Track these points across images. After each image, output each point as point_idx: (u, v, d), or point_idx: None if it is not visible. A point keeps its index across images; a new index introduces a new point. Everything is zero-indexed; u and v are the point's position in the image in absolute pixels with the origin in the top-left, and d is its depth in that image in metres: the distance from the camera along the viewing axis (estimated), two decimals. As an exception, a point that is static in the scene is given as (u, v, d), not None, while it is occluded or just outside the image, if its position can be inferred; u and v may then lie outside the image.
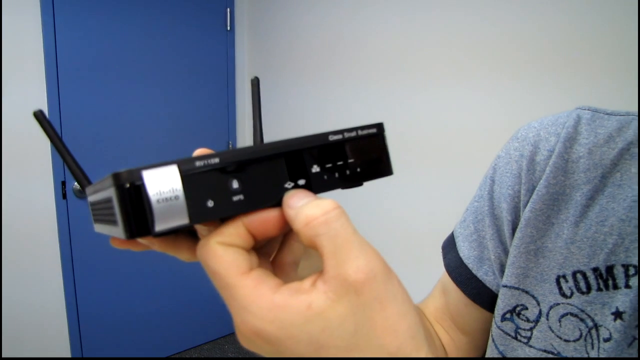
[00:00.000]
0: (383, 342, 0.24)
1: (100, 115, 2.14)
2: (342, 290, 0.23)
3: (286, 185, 0.26)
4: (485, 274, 0.50)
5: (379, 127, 0.29)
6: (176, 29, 2.34)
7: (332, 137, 0.27)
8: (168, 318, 2.51)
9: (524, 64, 1.51)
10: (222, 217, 0.24)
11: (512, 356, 0.45)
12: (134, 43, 2.22)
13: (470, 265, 0.51)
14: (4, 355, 1.98)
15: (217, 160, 0.24)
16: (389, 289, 0.24)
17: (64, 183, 2.07)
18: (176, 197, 0.22)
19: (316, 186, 0.26)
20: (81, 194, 2.12)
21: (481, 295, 0.50)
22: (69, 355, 2.18)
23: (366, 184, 0.29)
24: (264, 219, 0.25)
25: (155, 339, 2.48)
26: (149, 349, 2.45)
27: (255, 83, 0.39)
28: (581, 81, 1.36)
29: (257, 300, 0.24)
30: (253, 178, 0.25)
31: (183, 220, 0.23)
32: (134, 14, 2.20)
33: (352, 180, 0.27)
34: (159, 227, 0.22)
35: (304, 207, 0.25)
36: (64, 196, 2.08)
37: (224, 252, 0.25)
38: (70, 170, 0.34)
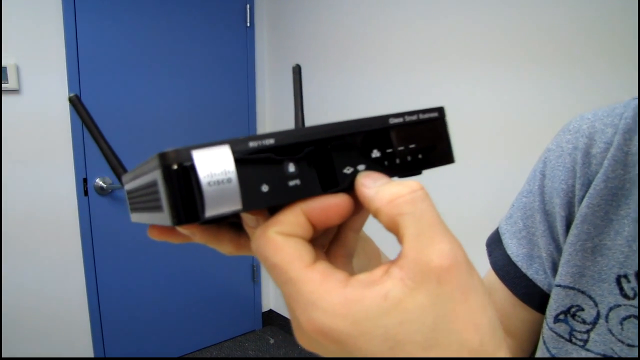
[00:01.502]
0: (465, 337, 0.21)
1: (121, 109, 2.14)
2: (421, 277, 0.21)
3: (345, 171, 0.23)
4: (536, 273, 0.47)
5: (440, 111, 0.26)
6: (197, 25, 2.34)
7: (392, 120, 0.24)
8: (189, 315, 2.51)
9: (550, 54, 1.46)
10: (276, 203, 0.22)
11: None
12: (155, 39, 2.22)
13: (519, 264, 0.49)
14: (9, 354, 2.00)
15: (272, 141, 0.21)
16: (472, 279, 0.22)
17: (85, 180, 2.08)
18: (229, 180, 0.20)
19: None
20: (103, 191, 2.13)
21: (531, 295, 0.48)
22: (91, 353, 2.20)
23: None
24: (326, 206, 0.23)
25: (176, 336, 2.48)
26: (169, 346, 2.46)
27: (297, 71, 0.38)
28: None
29: (327, 295, 0.21)
30: (311, 162, 0.22)
31: (235, 205, 0.20)
32: (155, 10, 2.20)
33: (412, 168, 0.25)
34: (209, 212, 0.20)
35: (388, 185, 0.23)
36: (86, 193, 2.09)
37: (285, 243, 0.22)
38: (106, 157, 0.33)
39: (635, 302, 0.38)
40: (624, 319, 0.39)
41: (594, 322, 0.40)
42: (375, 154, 0.24)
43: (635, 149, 0.40)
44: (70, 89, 1.98)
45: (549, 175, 0.46)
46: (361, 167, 0.24)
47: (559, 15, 1.44)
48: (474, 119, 1.69)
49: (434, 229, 0.22)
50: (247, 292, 2.75)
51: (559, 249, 0.45)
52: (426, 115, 0.26)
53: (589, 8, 1.37)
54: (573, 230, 0.43)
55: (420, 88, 1.88)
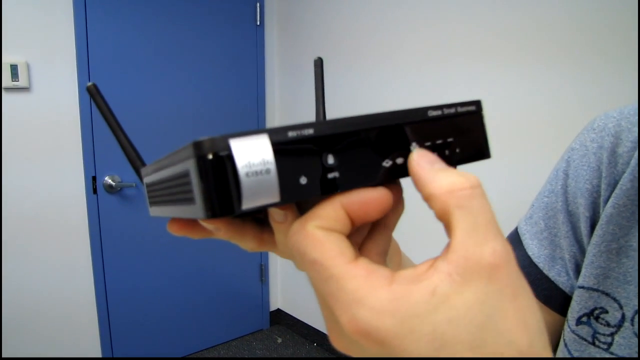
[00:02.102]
0: (513, 337, 0.20)
1: (131, 107, 2.14)
2: (470, 273, 0.20)
3: (384, 164, 0.22)
4: (558, 274, 0.46)
5: (478, 104, 0.26)
6: (207, 24, 2.33)
7: (431, 113, 0.24)
8: (197, 314, 2.51)
9: (558, 53, 1.45)
10: (315, 196, 0.21)
11: None
12: (165, 37, 2.22)
13: (540, 265, 0.47)
14: (12, 354, 2.00)
15: (311, 131, 0.21)
16: (521, 279, 0.21)
17: (94, 178, 2.08)
18: (267, 171, 0.19)
19: (399, 170, 0.23)
20: (112, 189, 2.13)
21: (553, 297, 0.46)
22: (99, 352, 2.20)
23: None
24: (366, 200, 0.22)
25: (184, 335, 2.48)
26: (177, 345, 2.46)
27: (319, 64, 0.36)
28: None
29: (373, 291, 0.20)
30: (350, 153, 0.22)
31: (273, 198, 0.20)
32: (165, 9, 2.20)
33: (449, 162, 0.24)
34: (246, 205, 0.19)
35: (447, 172, 0.22)
36: (95, 191, 2.09)
37: (326, 238, 0.21)
38: (123, 149, 0.32)
39: None
40: None
41: (619, 325, 0.39)
42: (414, 147, 0.23)
43: None
44: (80, 87, 1.98)
45: (572, 174, 0.45)
46: (400, 160, 0.23)
47: (564, 14, 1.43)
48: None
49: (488, 227, 0.21)
50: (255, 292, 2.75)
51: (582, 250, 0.44)
52: (464, 109, 0.25)
53: (591, 7, 1.37)
54: (598, 231, 0.41)
55: (430, 87, 1.87)
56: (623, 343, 0.39)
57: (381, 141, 0.22)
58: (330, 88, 2.29)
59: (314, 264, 0.21)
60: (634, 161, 0.40)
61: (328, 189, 0.21)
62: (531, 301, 0.21)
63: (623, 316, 0.39)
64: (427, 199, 0.22)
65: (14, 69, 1.80)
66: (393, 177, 0.23)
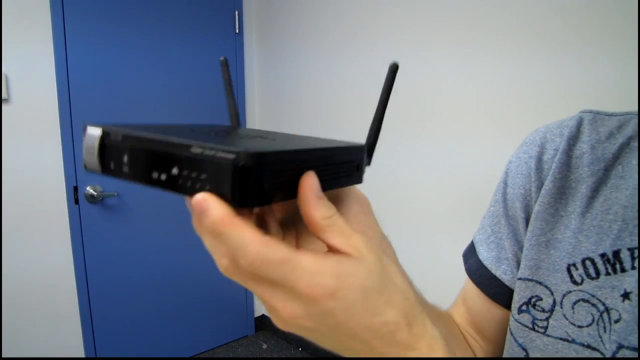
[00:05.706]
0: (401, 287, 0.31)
1: (112, 117, 2.15)
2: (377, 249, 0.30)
3: (153, 175, 0.28)
4: (504, 273, 0.52)
5: (238, 157, 0.26)
6: (186, 32, 2.36)
7: (194, 150, 0.26)
8: (181, 321, 2.52)
9: (534, 35, 1.49)
10: (117, 177, 0.29)
11: (532, 347, 0.46)
12: (145, 46, 2.24)
13: (489, 266, 0.53)
14: (8, 355, 1.99)
15: (121, 134, 0.29)
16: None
17: (76, 188, 2.08)
18: (93, 148, 0.30)
19: (171, 185, 0.27)
20: (93, 199, 2.13)
21: (501, 294, 0.52)
22: (82, 356, 2.19)
23: None
24: (191, 206, 0.27)
25: (169, 342, 2.48)
26: (161, 353, 2.46)
27: (225, 63, 0.42)
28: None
29: (324, 264, 0.27)
30: (134, 157, 0.28)
31: (97, 167, 0.30)
32: (145, 18, 2.22)
33: (192, 192, 0.27)
34: (89, 167, 0.31)
35: (322, 203, 0.29)
36: (76, 201, 2.09)
37: (267, 243, 0.27)
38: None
39: (583, 287, 0.42)
40: (575, 303, 0.43)
41: (551, 310, 0.44)
42: (175, 171, 0.27)
43: (578, 152, 0.46)
44: (60, 97, 1.98)
45: (510, 183, 0.52)
46: (163, 176, 0.27)
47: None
48: (455, 101, 1.72)
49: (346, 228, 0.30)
50: (240, 298, 2.76)
51: (522, 249, 0.50)
52: (221, 155, 0.26)
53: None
54: (529, 227, 0.48)
55: (409, 84, 1.91)
56: (556, 325, 0.44)
57: (151, 157, 0.28)
58: (310, 93, 2.33)
59: (279, 264, 0.26)
60: (555, 165, 0.47)
61: (122, 176, 0.29)
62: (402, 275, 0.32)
63: (554, 301, 0.45)
64: (307, 223, 0.29)
65: (-8, 81, 1.81)
66: (165, 187, 0.27)
